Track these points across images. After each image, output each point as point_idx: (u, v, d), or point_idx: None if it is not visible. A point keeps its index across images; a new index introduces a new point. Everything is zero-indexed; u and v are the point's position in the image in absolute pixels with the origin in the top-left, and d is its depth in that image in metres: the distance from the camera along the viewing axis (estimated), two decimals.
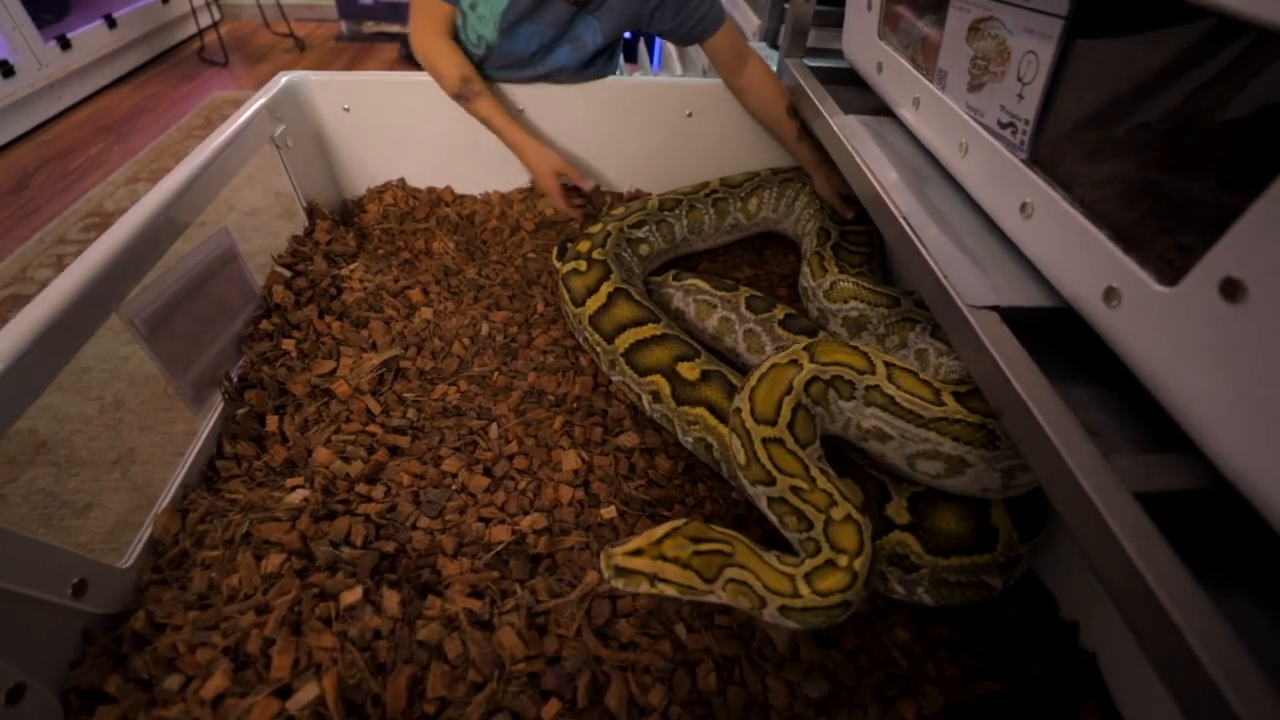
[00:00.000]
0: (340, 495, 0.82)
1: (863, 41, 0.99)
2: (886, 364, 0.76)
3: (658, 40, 2.73)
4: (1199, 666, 0.37)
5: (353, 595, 0.68)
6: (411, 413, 0.95)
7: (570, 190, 1.29)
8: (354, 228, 1.31)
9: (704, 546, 0.65)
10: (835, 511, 0.68)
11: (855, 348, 0.79)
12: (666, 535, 0.65)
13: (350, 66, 3.70)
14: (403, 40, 3.88)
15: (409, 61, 3.69)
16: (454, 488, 0.85)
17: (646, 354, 0.94)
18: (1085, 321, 0.54)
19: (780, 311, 1.03)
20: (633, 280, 1.10)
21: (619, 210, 1.23)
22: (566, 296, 1.07)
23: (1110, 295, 0.51)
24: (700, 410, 0.87)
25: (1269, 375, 0.38)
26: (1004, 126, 0.65)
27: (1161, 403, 0.47)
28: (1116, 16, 0.52)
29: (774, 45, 1.53)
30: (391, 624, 0.67)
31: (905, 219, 0.72)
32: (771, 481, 0.72)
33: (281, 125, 1.18)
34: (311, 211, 1.28)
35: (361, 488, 0.83)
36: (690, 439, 0.90)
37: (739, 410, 0.77)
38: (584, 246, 1.12)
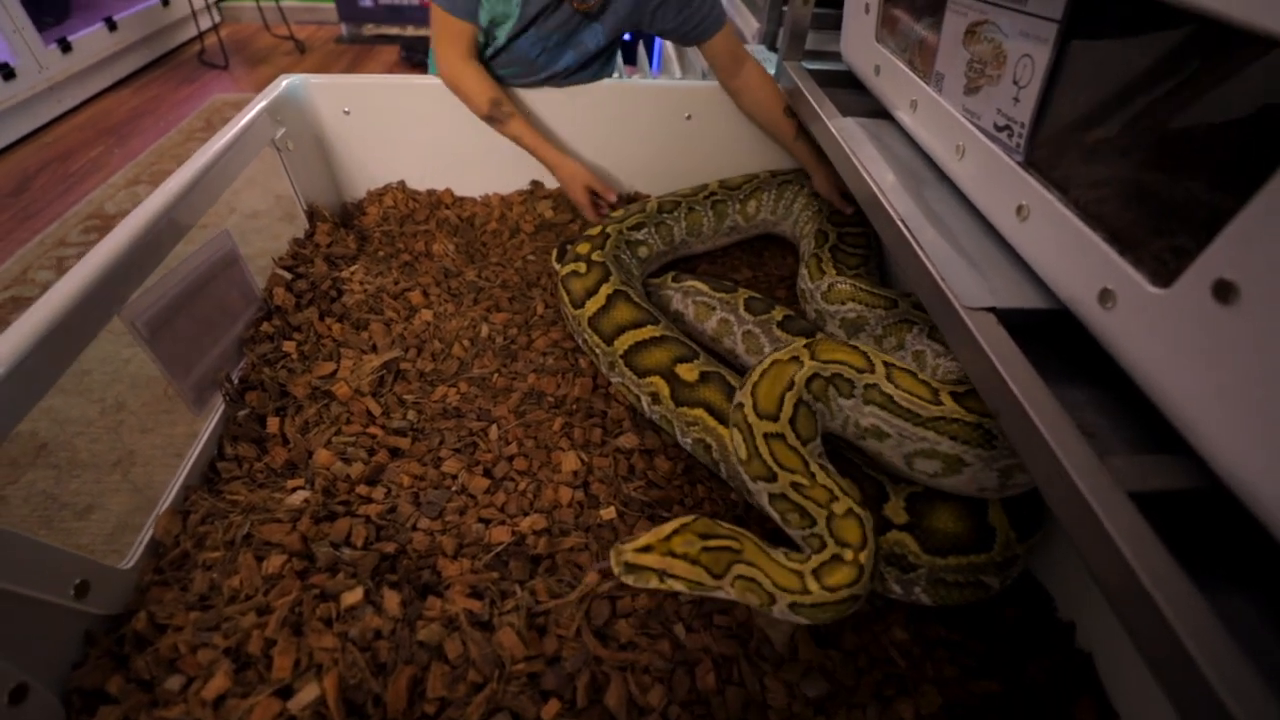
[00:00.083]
0: (341, 496, 0.82)
1: (860, 44, 0.99)
2: (885, 363, 0.77)
3: (657, 43, 2.74)
4: (1193, 665, 0.37)
5: (353, 596, 0.68)
6: (412, 414, 0.95)
7: (598, 201, 1.31)
8: (354, 230, 1.32)
9: (712, 543, 0.66)
10: (837, 506, 0.69)
11: (855, 347, 0.80)
12: (675, 532, 0.66)
13: (350, 69, 3.71)
14: (403, 43, 3.89)
15: (409, 64, 3.70)
16: (454, 489, 0.86)
17: (645, 355, 0.95)
18: (1081, 323, 0.55)
19: (779, 313, 1.04)
20: (632, 282, 1.10)
21: (618, 213, 1.24)
22: (566, 298, 1.07)
23: (1105, 297, 0.51)
24: (699, 411, 0.88)
25: (1260, 376, 0.38)
26: (1000, 129, 0.65)
27: (1156, 404, 0.47)
28: (1110, 20, 0.53)
29: (773, 48, 1.53)
30: (392, 624, 0.67)
31: (903, 221, 0.73)
32: (773, 477, 0.72)
33: (282, 128, 1.19)
34: (312, 214, 1.28)
35: (362, 489, 0.84)
36: (689, 440, 0.91)
37: (741, 405, 0.78)
38: (583, 249, 1.12)
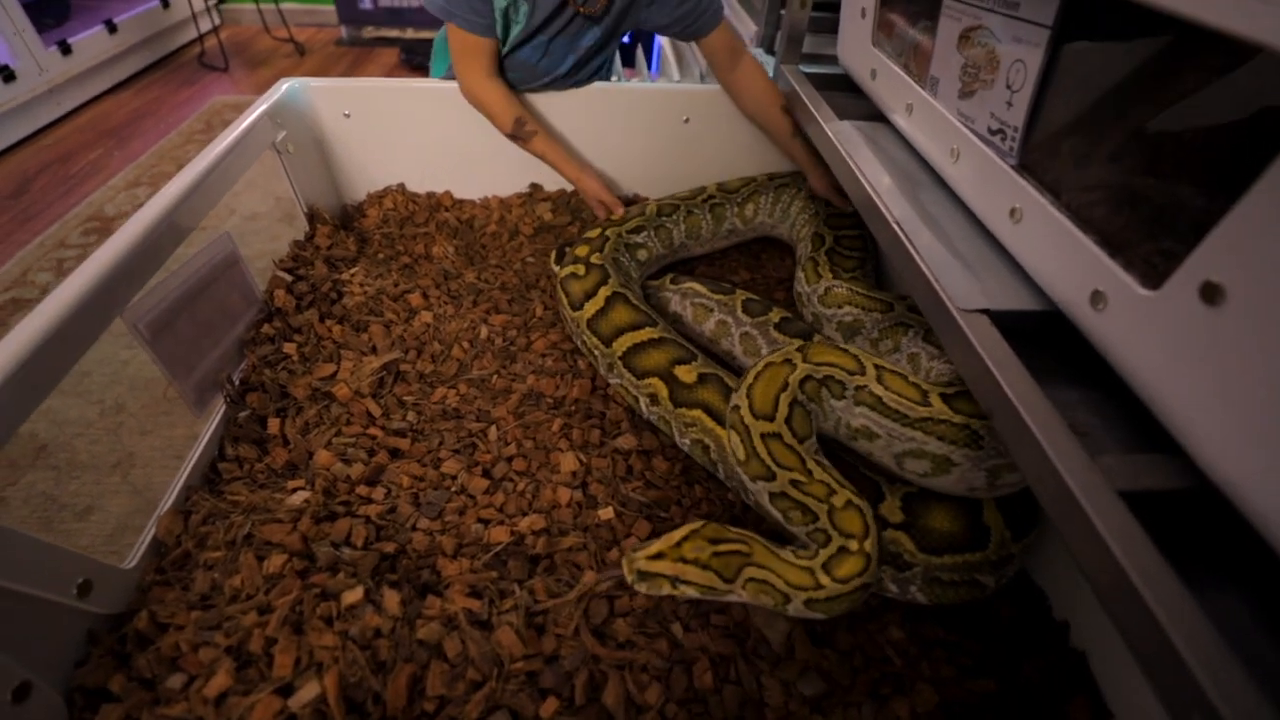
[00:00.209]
0: (341, 497, 0.83)
1: (857, 48, 1.00)
2: (876, 366, 0.78)
3: (655, 46, 2.75)
4: (1183, 664, 0.38)
5: (353, 595, 0.69)
6: (411, 415, 0.96)
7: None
8: (354, 232, 1.32)
9: (722, 547, 0.67)
10: (836, 500, 0.70)
11: (846, 350, 0.81)
12: (685, 538, 0.67)
13: (350, 71, 3.72)
14: (403, 45, 3.90)
15: (409, 66, 3.71)
16: (453, 489, 0.86)
17: (644, 357, 0.95)
18: (1074, 325, 0.55)
19: (776, 315, 1.04)
20: (630, 284, 1.11)
21: (617, 217, 1.24)
22: (564, 300, 1.08)
23: (1097, 299, 0.52)
24: (697, 412, 0.88)
25: (1246, 377, 0.39)
26: (994, 133, 0.66)
27: (1146, 404, 0.48)
28: (1100, 26, 0.53)
29: (770, 51, 1.54)
30: (392, 623, 0.68)
31: (898, 224, 0.73)
32: (772, 476, 0.73)
33: (283, 131, 1.19)
34: (312, 216, 1.29)
35: (362, 489, 0.84)
36: (687, 441, 0.91)
37: (737, 407, 0.79)
38: (582, 251, 1.13)
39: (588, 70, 1.36)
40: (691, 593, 0.66)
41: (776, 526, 0.79)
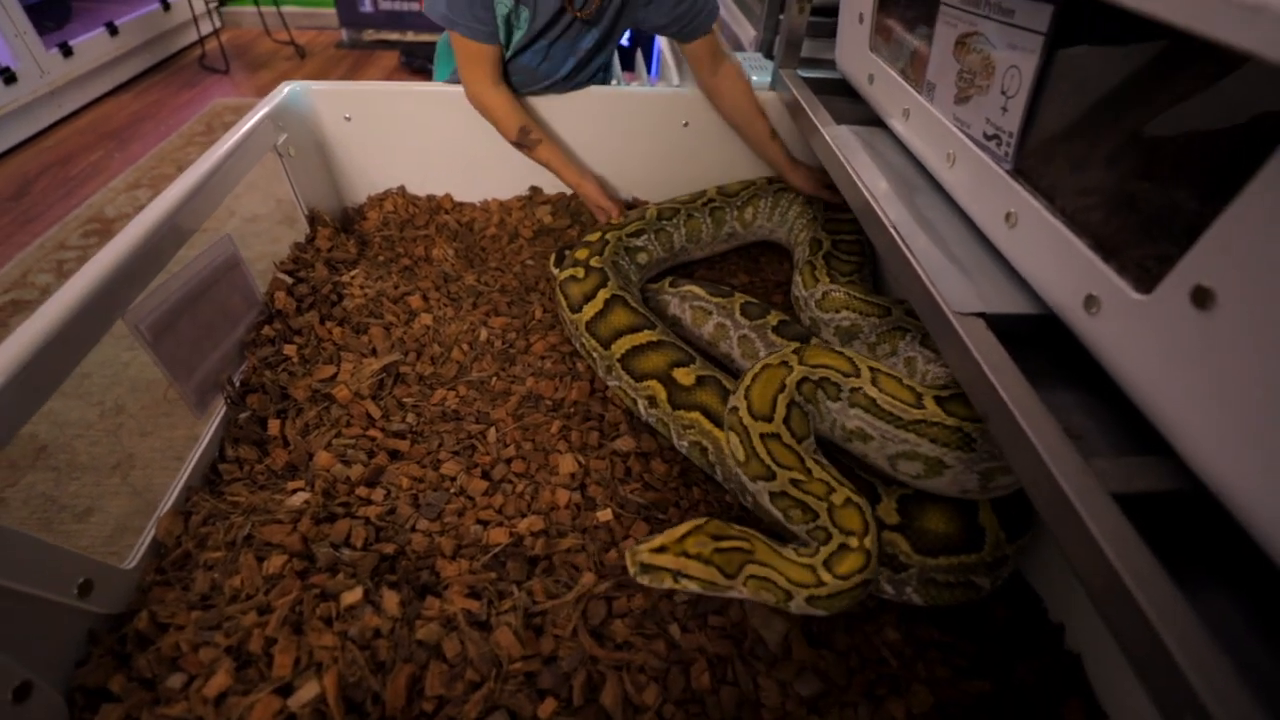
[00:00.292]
0: (341, 498, 0.83)
1: (855, 53, 1.01)
2: (871, 368, 0.79)
3: (655, 51, 2.76)
4: (1175, 666, 0.38)
5: (353, 596, 0.69)
6: (411, 417, 0.96)
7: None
8: (354, 235, 1.33)
9: (724, 544, 0.68)
10: (835, 497, 0.71)
11: (841, 353, 0.82)
12: (688, 533, 0.68)
13: (350, 74, 3.72)
14: (403, 48, 3.91)
15: (409, 69, 3.72)
16: (453, 491, 0.87)
17: (642, 359, 0.96)
18: (1068, 329, 0.56)
19: (774, 318, 1.05)
20: (629, 288, 1.12)
21: (618, 220, 1.25)
22: (564, 303, 1.08)
23: (1090, 303, 0.52)
24: (695, 415, 0.89)
25: (1237, 380, 0.39)
26: (989, 138, 0.66)
27: (1139, 407, 0.48)
28: (1094, 33, 0.54)
29: (769, 56, 1.55)
30: (391, 624, 0.68)
31: (895, 228, 0.74)
32: (772, 476, 0.74)
33: (284, 134, 1.20)
34: (313, 219, 1.29)
35: (361, 491, 0.85)
36: (685, 443, 0.92)
37: (735, 409, 0.80)
38: (582, 254, 1.13)
39: (588, 72, 1.36)
40: (693, 587, 0.67)
41: (776, 526, 0.79)
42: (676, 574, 0.66)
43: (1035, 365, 0.56)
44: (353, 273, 1.20)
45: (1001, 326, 0.60)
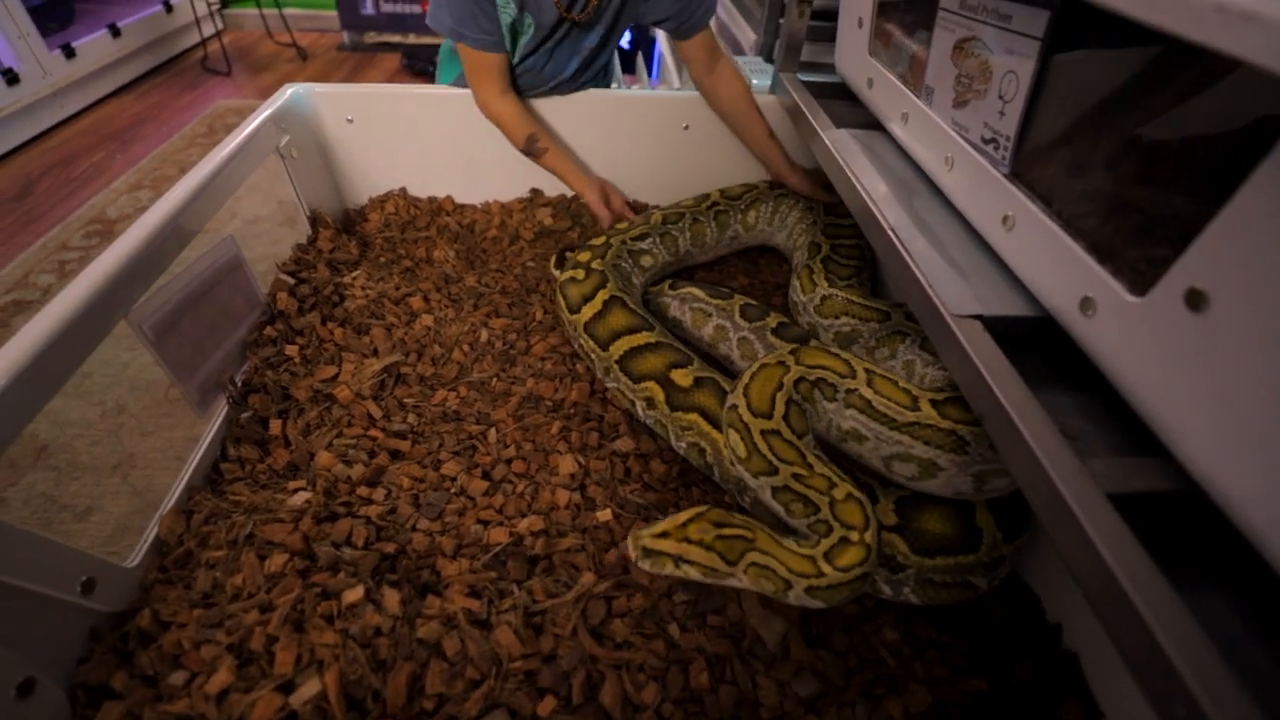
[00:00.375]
0: (342, 498, 0.84)
1: (854, 58, 1.02)
2: (867, 370, 0.80)
3: (655, 53, 2.77)
4: (1168, 662, 0.38)
5: (354, 594, 0.70)
6: (412, 418, 0.97)
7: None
8: (356, 236, 1.33)
9: (726, 531, 0.68)
10: (837, 492, 0.72)
11: (838, 354, 0.83)
12: (690, 520, 0.69)
13: (352, 76, 3.74)
14: (404, 50, 3.92)
15: (410, 71, 3.73)
16: (453, 491, 0.87)
17: (640, 361, 0.96)
18: (1065, 331, 0.56)
19: (773, 320, 1.05)
20: (630, 290, 1.12)
21: (623, 224, 1.25)
22: (563, 304, 1.09)
23: (1086, 305, 0.53)
24: (694, 416, 0.89)
25: (1230, 381, 0.40)
26: (987, 142, 0.67)
27: (1135, 409, 0.49)
28: (1090, 38, 0.55)
29: (769, 59, 1.56)
30: (392, 622, 0.68)
31: (893, 231, 0.75)
32: (774, 471, 0.74)
33: (286, 136, 1.21)
34: (315, 220, 1.30)
35: (362, 490, 0.85)
36: (683, 444, 0.92)
37: (735, 406, 0.80)
38: (584, 257, 1.14)
39: (592, 71, 1.37)
40: (694, 573, 0.67)
41: (776, 522, 0.79)
42: (678, 559, 0.67)
43: (1032, 367, 0.56)
44: (354, 274, 1.20)
45: (999, 329, 0.61)
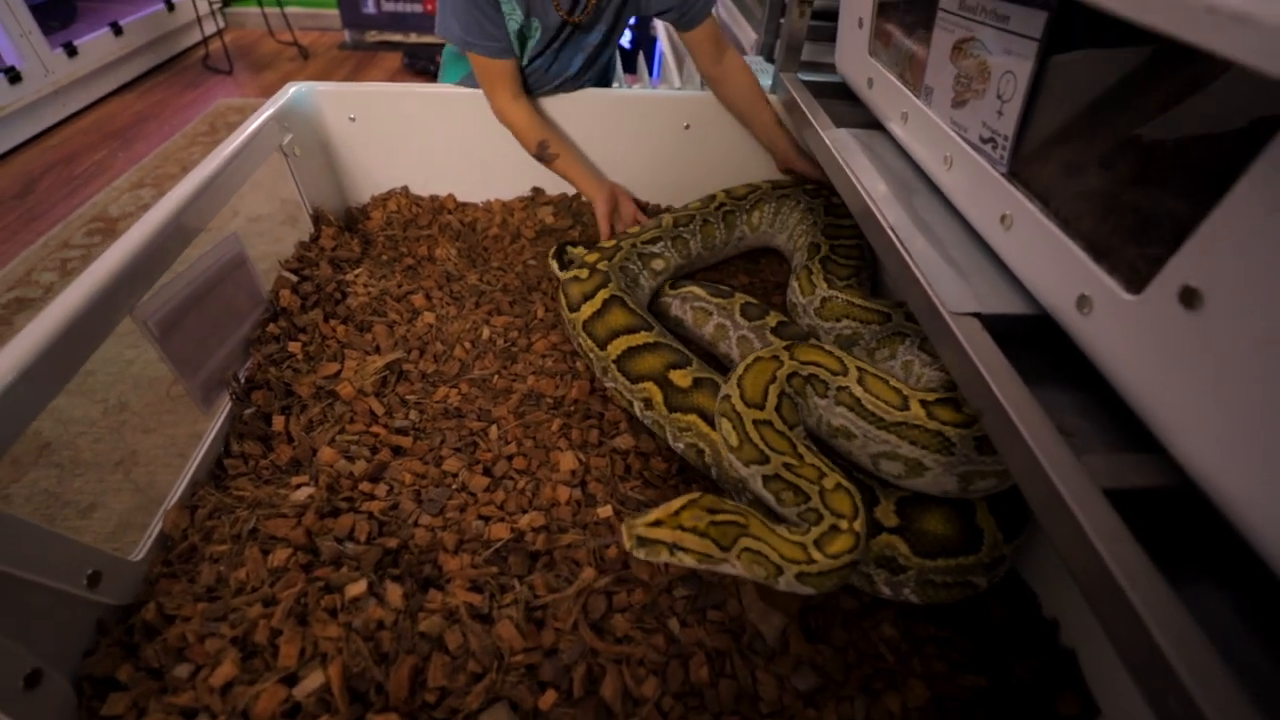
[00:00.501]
0: (344, 493, 0.84)
1: (854, 58, 1.02)
2: (859, 368, 0.81)
3: (657, 53, 2.78)
4: (1162, 657, 0.39)
5: (357, 588, 0.70)
6: (414, 414, 0.97)
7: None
8: (358, 234, 1.34)
9: (719, 517, 0.69)
10: (826, 482, 0.73)
11: (831, 351, 0.84)
12: (684, 507, 0.69)
13: (353, 75, 3.74)
14: (405, 49, 3.92)
15: (411, 70, 3.74)
16: (455, 487, 0.88)
17: (638, 361, 0.97)
18: (1062, 328, 0.57)
19: (773, 319, 1.06)
20: (634, 291, 1.12)
21: (634, 228, 1.25)
22: (564, 302, 1.10)
23: (1083, 303, 0.53)
24: (692, 417, 0.90)
25: (1223, 378, 0.40)
26: (985, 141, 0.68)
27: (1130, 405, 0.49)
28: (1087, 39, 0.55)
29: (770, 59, 1.56)
30: (394, 616, 0.69)
31: (893, 230, 0.75)
32: (765, 460, 0.75)
33: (289, 134, 1.21)
34: (317, 218, 1.31)
35: (365, 486, 0.86)
36: (681, 445, 0.93)
37: (728, 397, 0.81)
38: (591, 258, 1.14)
39: (595, 68, 1.39)
40: (688, 560, 0.67)
41: (768, 512, 0.80)
42: (673, 547, 0.67)
43: (1030, 365, 0.57)
44: (356, 271, 1.21)
45: (996, 326, 0.61)
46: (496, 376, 1.05)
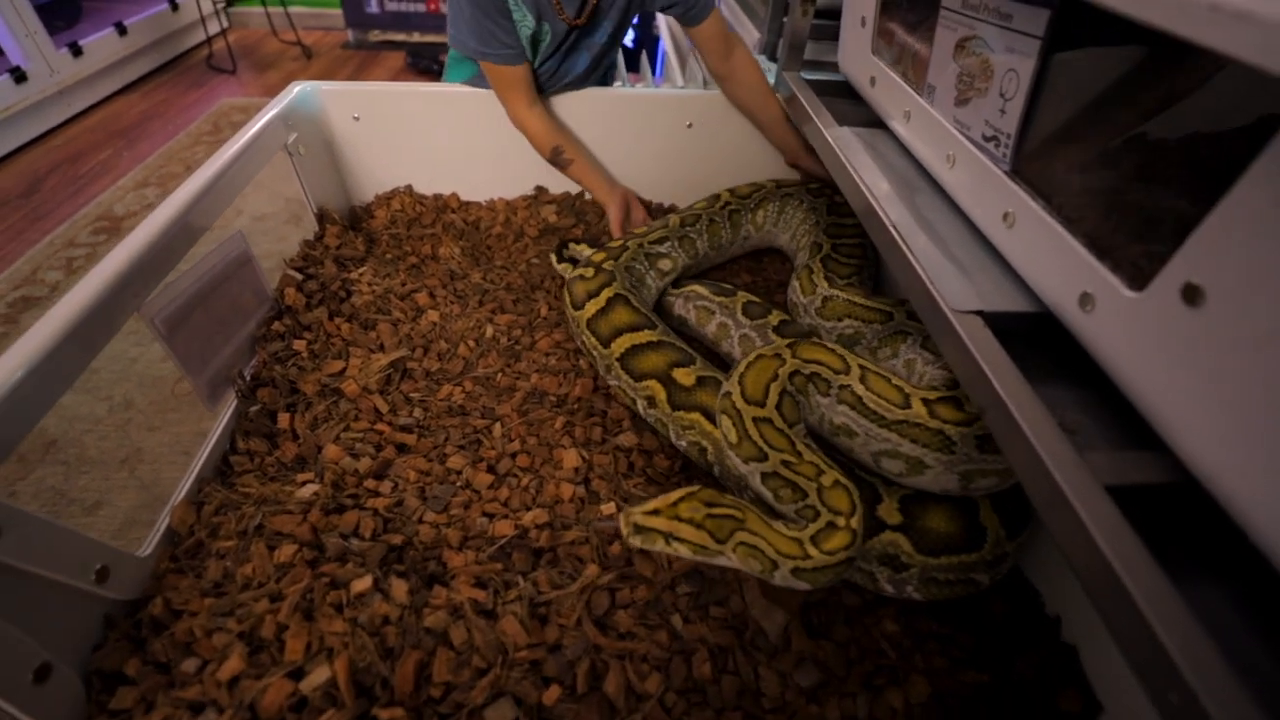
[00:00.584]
0: (349, 490, 0.85)
1: (857, 56, 1.02)
2: (861, 367, 0.81)
3: (659, 52, 2.78)
4: (1164, 652, 0.39)
5: (362, 584, 0.71)
6: (418, 412, 0.98)
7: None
8: (363, 233, 1.34)
9: (716, 510, 0.70)
10: (824, 479, 0.73)
11: (833, 349, 0.84)
12: (682, 499, 0.70)
13: (356, 75, 3.75)
14: (408, 49, 3.93)
15: (414, 70, 3.75)
16: (459, 484, 0.88)
17: (642, 359, 0.97)
18: (1064, 326, 0.57)
19: (775, 318, 1.06)
20: (640, 290, 1.13)
21: (641, 229, 1.25)
22: (568, 300, 1.10)
23: (1085, 300, 0.53)
24: (695, 415, 0.90)
25: (1225, 375, 0.40)
26: (988, 140, 0.68)
27: (1133, 402, 0.50)
28: (1089, 37, 0.55)
29: (773, 58, 1.56)
30: (400, 611, 0.69)
31: (895, 228, 0.75)
32: (764, 457, 0.76)
33: (294, 133, 1.22)
34: (322, 217, 1.31)
35: (369, 483, 0.86)
36: (684, 443, 0.93)
37: (729, 394, 0.82)
38: (598, 257, 1.14)
39: (602, 67, 1.39)
40: (684, 550, 0.68)
41: (766, 508, 0.80)
42: (669, 536, 0.68)
43: (1032, 362, 0.57)
44: (361, 270, 1.21)
45: (999, 324, 0.61)
46: (500, 374, 1.06)
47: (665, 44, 2.56)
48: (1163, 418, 0.47)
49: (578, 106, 1.37)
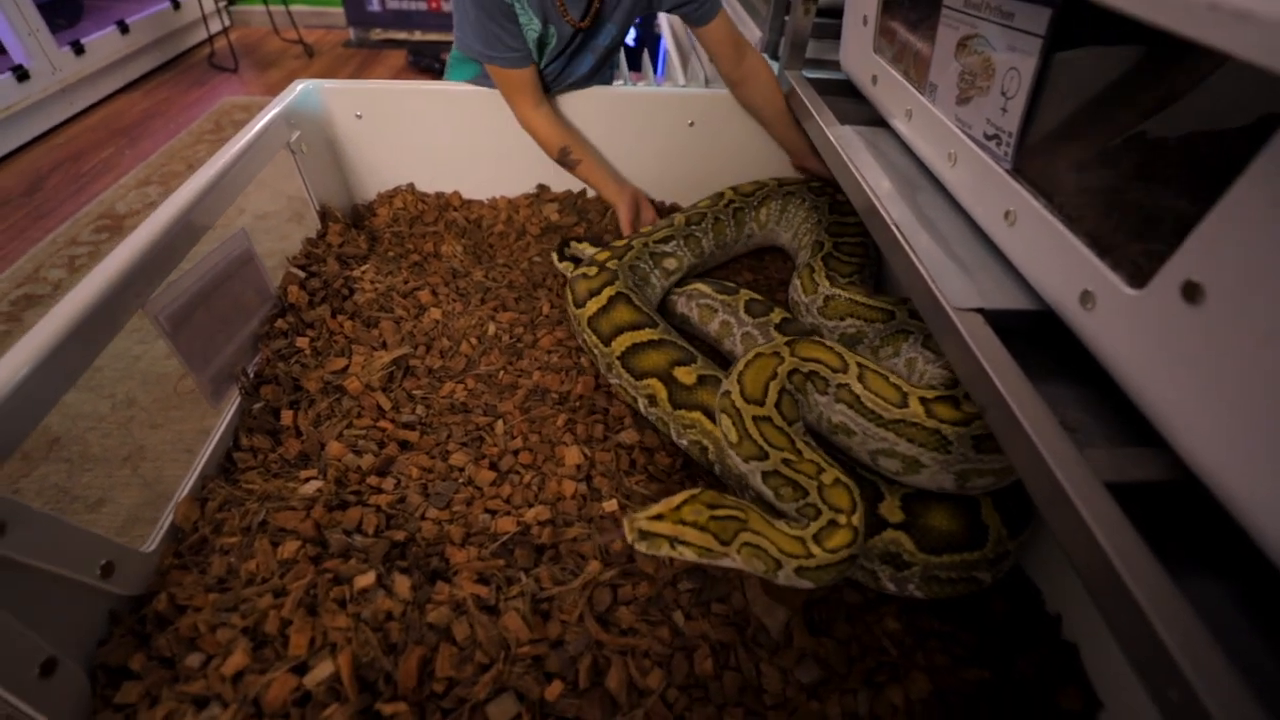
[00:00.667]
0: (352, 487, 0.85)
1: (859, 55, 1.02)
2: (859, 365, 0.81)
3: (661, 51, 2.78)
4: (1163, 648, 0.39)
5: (366, 579, 0.71)
6: (420, 409, 0.98)
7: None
8: (365, 231, 1.35)
9: (720, 512, 0.70)
10: (825, 477, 0.73)
11: (831, 348, 0.84)
12: (684, 502, 0.70)
13: (358, 73, 3.75)
14: (410, 47, 3.94)
15: (416, 68, 3.75)
16: (461, 481, 0.88)
17: (643, 358, 0.97)
18: (1065, 324, 0.57)
19: (777, 316, 1.06)
20: (643, 289, 1.13)
21: (646, 228, 1.25)
22: (570, 298, 1.10)
23: (1086, 298, 0.54)
24: (696, 414, 0.90)
25: (1224, 372, 0.41)
26: (989, 138, 0.68)
27: (1133, 400, 0.50)
28: (1091, 35, 0.56)
29: (774, 56, 1.56)
30: (403, 607, 0.70)
31: (897, 226, 0.75)
32: (764, 456, 0.76)
33: (297, 132, 1.22)
34: (324, 215, 1.32)
35: (372, 480, 0.86)
36: (685, 441, 0.93)
37: (728, 393, 0.82)
38: (602, 256, 1.14)
39: (606, 67, 1.40)
40: (689, 554, 0.68)
41: (767, 507, 0.80)
42: (673, 540, 0.68)
43: (1033, 360, 0.57)
44: (363, 268, 1.22)
45: (1000, 322, 0.62)
46: (502, 372, 1.06)
47: (667, 42, 2.56)
48: (1163, 415, 0.47)
49: (579, 105, 1.38)
